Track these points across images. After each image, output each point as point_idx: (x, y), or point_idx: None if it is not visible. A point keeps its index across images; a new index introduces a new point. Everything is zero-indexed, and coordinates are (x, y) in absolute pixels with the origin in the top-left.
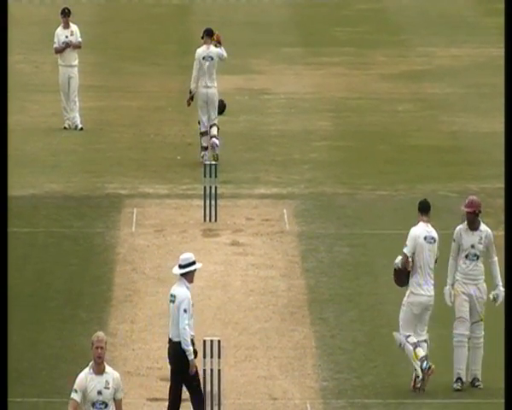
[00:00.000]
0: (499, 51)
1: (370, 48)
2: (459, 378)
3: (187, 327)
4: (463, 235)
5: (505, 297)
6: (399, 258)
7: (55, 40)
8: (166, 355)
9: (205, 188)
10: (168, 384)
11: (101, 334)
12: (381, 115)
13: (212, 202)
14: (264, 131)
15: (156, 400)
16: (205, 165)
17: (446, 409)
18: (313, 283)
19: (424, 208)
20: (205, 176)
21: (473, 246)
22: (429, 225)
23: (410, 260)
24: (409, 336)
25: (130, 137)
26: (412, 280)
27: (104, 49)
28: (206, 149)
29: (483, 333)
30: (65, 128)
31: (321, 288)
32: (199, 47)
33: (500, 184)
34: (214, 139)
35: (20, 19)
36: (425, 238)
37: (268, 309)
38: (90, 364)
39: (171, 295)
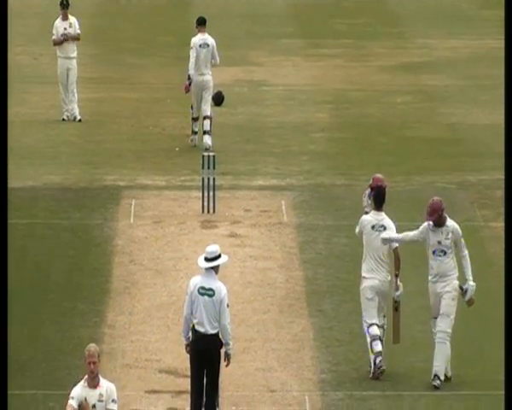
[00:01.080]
0: (498, 43)
1: (369, 40)
2: (436, 375)
3: (230, 322)
4: (430, 233)
5: (505, 292)
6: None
7: (54, 32)
8: (195, 348)
9: (203, 179)
10: (166, 377)
11: (92, 348)
12: (379, 107)
13: (211, 194)
14: (263, 123)
15: (155, 392)
16: (203, 156)
17: (444, 401)
18: (311, 274)
19: (378, 199)
20: (203, 167)
21: (439, 242)
22: (382, 213)
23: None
24: (371, 325)
25: (128, 129)
26: (364, 266)
27: (103, 41)
28: (196, 133)
29: (449, 331)
30: (63, 120)
31: (319, 279)
32: (194, 36)
33: (499, 176)
34: (207, 139)
35: (20, 11)
36: (373, 227)
37: (266, 301)
38: (85, 377)
39: (206, 289)
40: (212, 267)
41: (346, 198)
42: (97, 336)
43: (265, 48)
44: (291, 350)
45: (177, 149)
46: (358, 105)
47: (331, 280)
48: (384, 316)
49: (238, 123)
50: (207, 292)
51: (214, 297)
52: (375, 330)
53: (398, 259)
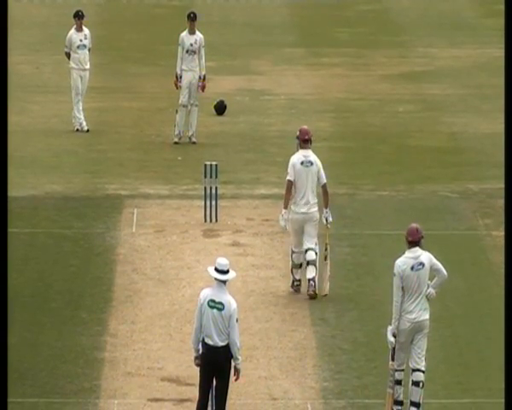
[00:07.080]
0: (500, 52)
1: (371, 49)
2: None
3: (239, 337)
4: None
5: (505, 296)
6: None
7: (67, 44)
8: (205, 360)
9: (205, 188)
10: (168, 385)
11: None
12: (381, 116)
13: (213, 203)
14: (265, 132)
15: (157, 400)
16: (205, 165)
17: (446, 409)
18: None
19: (304, 139)
20: (205, 176)
21: None
22: (309, 151)
23: (292, 185)
24: (294, 252)
25: (130, 138)
26: (293, 199)
27: (105, 51)
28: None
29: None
30: (77, 130)
31: (321, 288)
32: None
33: (500, 185)
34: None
35: (21, 20)
36: (302, 163)
37: (268, 309)
38: None
39: (216, 302)
40: (223, 280)
41: (348, 207)
42: (99, 345)
43: (267, 57)
44: (293, 358)
45: (179, 158)
46: (360, 114)
47: (333, 289)
48: (316, 243)
49: (240, 132)
50: (217, 306)
51: (223, 312)
52: (297, 259)
53: (327, 193)
